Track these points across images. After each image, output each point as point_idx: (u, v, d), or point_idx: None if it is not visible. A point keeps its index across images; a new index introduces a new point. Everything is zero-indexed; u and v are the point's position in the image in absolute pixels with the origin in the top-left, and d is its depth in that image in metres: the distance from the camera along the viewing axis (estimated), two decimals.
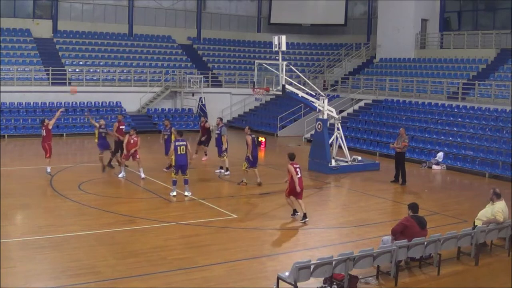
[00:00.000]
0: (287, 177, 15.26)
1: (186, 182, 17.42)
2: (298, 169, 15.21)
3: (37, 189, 18.36)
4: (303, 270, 9.64)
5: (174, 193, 17.36)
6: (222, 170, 21.30)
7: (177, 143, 17.20)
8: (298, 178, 15.09)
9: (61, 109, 22.08)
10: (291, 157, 15.43)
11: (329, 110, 23.22)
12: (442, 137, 26.14)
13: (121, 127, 21.90)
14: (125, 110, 33.95)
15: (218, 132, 21.60)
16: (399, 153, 20.66)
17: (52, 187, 18.37)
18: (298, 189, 14.96)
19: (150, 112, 35.04)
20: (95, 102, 33.60)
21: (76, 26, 37.90)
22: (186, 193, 17.37)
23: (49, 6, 37.29)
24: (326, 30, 43.79)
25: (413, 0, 35.34)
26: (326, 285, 10.26)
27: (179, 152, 17.11)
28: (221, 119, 23.12)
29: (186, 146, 17.11)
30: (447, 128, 26.70)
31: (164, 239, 13.31)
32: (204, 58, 40.75)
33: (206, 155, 23.83)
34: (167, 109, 35.80)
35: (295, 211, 15.46)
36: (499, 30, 32.70)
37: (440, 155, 24.72)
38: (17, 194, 17.46)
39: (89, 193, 17.60)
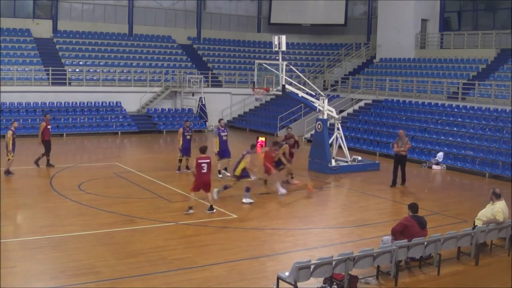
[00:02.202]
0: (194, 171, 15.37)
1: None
2: (204, 164, 15.07)
3: (37, 189, 18.37)
4: (303, 270, 9.64)
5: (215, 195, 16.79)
6: (228, 174, 20.42)
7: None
8: (203, 173, 15.09)
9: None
10: (201, 150, 15.42)
11: (329, 110, 23.22)
12: (442, 137, 26.14)
13: (48, 126, 21.40)
14: (125, 110, 34.00)
15: (226, 133, 20.70)
16: (401, 155, 20.08)
17: (52, 187, 18.37)
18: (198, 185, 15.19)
19: (150, 112, 35.04)
20: (95, 102, 33.60)
21: (76, 26, 37.91)
22: (215, 195, 16.72)
23: (49, 6, 37.29)
24: (326, 30, 43.79)
25: (413, 0, 35.35)
26: (326, 285, 10.26)
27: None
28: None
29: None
30: (447, 128, 26.70)
31: (164, 239, 13.31)
32: (204, 58, 40.76)
33: (292, 177, 20.17)
34: (167, 109, 35.81)
35: (189, 208, 15.36)
36: (499, 30, 32.70)
37: (440, 155, 24.73)
38: (17, 194, 17.47)
39: (89, 193, 17.60)
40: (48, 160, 21.31)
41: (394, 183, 20.07)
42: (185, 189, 18.47)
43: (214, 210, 15.55)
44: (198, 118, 35.34)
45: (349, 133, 29.24)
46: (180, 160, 21.19)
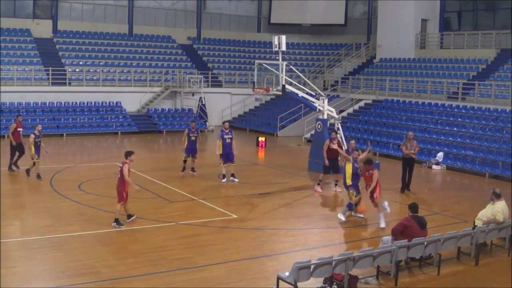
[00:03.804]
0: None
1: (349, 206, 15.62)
2: (119, 169, 14.17)
3: (37, 189, 18.36)
4: (303, 270, 9.64)
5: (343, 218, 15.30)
6: (236, 179, 20.11)
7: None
8: (118, 177, 14.23)
9: None
10: (125, 154, 14.32)
11: (329, 110, 23.23)
12: (442, 137, 26.15)
13: (18, 129, 20.42)
14: (125, 110, 34.01)
15: (230, 136, 19.87)
16: (411, 158, 19.43)
17: (52, 187, 18.37)
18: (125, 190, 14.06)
19: (150, 112, 35.05)
20: (95, 102, 33.60)
21: (76, 26, 37.91)
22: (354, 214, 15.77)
23: (49, 6, 37.28)
24: (326, 30, 43.80)
25: (413, 0, 35.35)
26: (326, 285, 10.26)
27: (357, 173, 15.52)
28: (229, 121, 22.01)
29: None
30: (447, 128, 26.70)
31: (164, 239, 13.31)
32: (204, 58, 40.76)
33: (336, 184, 19.51)
34: (167, 109, 35.82)
35: (129, 216, 14.48)
36: (499, 30, 32.70)
37: (440, 155, 24.73)
38: (17, 194, 17.48)
39: (89, 193, 17.60)
40: (10, 164, 20.34)
41: (404, 188, 19.42)
42: (185, 189, 18.53)
43: (122, 226, 14.11)
44: (198, 118, 35.31)
45: (349, 133, 29.17)
46: (185, 161, 21.01)
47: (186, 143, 20.78)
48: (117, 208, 14.24)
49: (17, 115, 22.98)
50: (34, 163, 19.30)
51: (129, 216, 14.50)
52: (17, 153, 20.43)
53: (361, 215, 15.68)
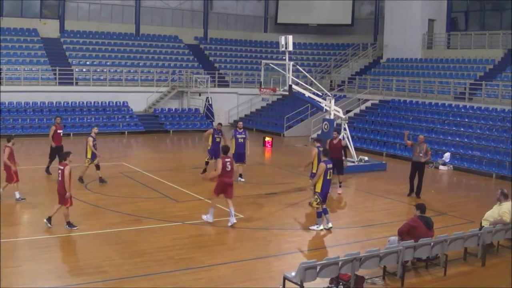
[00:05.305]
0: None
1: (325, 211, 14.52)
2: (59, 171, 13.52)
3: (44, 188, 18.39)
4: (309, 270, 9.63)
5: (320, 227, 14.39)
6: (242, 179, 19.99)
7: (327, 165, 14.03)
8: (59, 180, 13.54)
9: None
10: (63, 156, 13.89)
11: (336, 110, 23.20)
12: (449, 138, 26.08)
13: (58, 131, 19.93)
14: (131, 110, 34.07)
15: (243, 136, 19.82)
16: (419, 162, 18.47)
17: None
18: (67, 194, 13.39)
19: (157, 112, 35.10)
20: (101, 102, 33.68)
21: (83, 26, 38.02)
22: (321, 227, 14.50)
23: (56, 6, 37.41)
24: (332, 30, 43.76)
25: (420, 0, 35.28)
26: (333, 285, 10.25)
27: (328, 177, 14.08)
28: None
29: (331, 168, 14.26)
30: (454, 128, 26.63)
31: (170, 238, 13.33)
32: (211, 58, 40.80)
33: (340, 186, 18.91)
34: (173, 109, 35.86)
35: (49, 220, 13.67)
36: (506, 30, 32.55)
37: (447, 155, 24.67)
38: (24, 193, 17.49)
39: (96, 193, 17.63)
40: (47, 166, 20.04)
41: (412, 191, 18.83)
42: (191, 189, 18.54)
43: (75, 227, 13.62)
44: (204, 118, 35.39)
45: (356, 133, 29.21)
46: (207, 163, 20.48)
47: (210, 144, 20.46)
48: (64, 212, 13.62)
49: (56, 116, 22.17)
50: (87, 167, 18.80)
51: (70, 224, 13.65)
52: (50, 157, 19.87)
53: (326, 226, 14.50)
